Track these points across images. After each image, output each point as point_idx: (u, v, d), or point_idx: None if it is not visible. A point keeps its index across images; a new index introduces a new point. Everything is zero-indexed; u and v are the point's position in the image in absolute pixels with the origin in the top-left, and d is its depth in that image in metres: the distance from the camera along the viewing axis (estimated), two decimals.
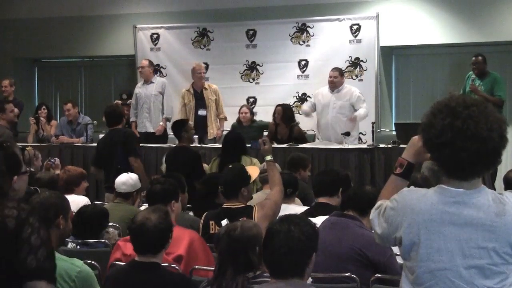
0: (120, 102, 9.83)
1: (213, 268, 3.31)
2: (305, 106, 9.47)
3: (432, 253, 2.35)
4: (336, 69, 9.16)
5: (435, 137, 2.35)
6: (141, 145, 8.95)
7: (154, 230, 3.37)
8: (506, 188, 5.74)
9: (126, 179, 5.67)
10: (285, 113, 9.16)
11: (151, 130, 9.70)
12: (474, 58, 8.98)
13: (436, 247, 2.35)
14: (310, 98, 10.08)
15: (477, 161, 2.31)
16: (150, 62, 9.99)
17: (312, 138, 9.16)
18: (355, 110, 8.88)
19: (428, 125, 2.37)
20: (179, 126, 7.67)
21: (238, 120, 9.55)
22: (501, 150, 2.34)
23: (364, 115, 8.85)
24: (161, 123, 9.67)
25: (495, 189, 7.46)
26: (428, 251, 2.36)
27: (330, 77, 9.02)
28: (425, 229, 2.37)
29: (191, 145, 7.89)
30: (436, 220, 2.36)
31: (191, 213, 5.53)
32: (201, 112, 9.42)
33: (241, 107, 9.61)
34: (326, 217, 4.13)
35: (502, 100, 8.63)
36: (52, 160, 7.38)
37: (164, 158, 7.72)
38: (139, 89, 9.84)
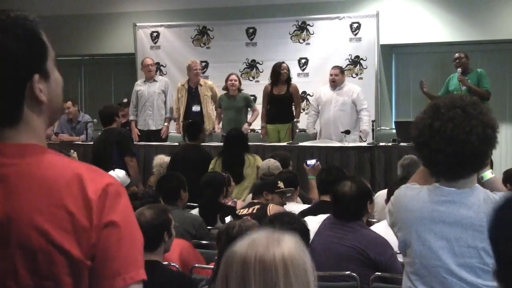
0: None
1: (212, 267, 3.31)
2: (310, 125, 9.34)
3: (424, 250, 2.37)
4: (336, 67, 9.15)
5: (415, 137, 2.36)
6: (142, 143, 9.01)
7: (146, 225, 3.37)
8: (504, 182, 5.76)
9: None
10: (289, 71, 9.18)
11: (153, 128, 9.69)
12: (457, 54, 9.01)
13: (427, 244, 2.37)
14: (310, 96, 10.09)
15: (457, 164, 2.30)
16: (153, 61, 10.02)
17: (314, 137, 9.15)
18: (356, 108, 8.87)
19: (414, 123, 2.40)
20: (196, 128, 7.69)
21: (226, 89, 9.22)
22: (483, 154, 2.32)
23: (368, 122, 8.78)
24: (165, 124, 9.67)
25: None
26: (421, 248, 2.38)
27: (331, 75, 9.00)
28: (417, 227, 2.39)
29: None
30: (427, 218, 2.37)
31: (193, 211, 5.52)
32: (195, 108, 9.38)
33: (230, 75, 9.23)
34: (327, 215, 4.13)
35: (490, 92, 8.73)
36: (71, 152, 7.49)
37: (154, 162, 7.62)
38: (141, 87, 9.81)
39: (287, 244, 1.57)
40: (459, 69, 8.80)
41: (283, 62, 9.20)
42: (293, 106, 9.22)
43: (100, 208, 1.36)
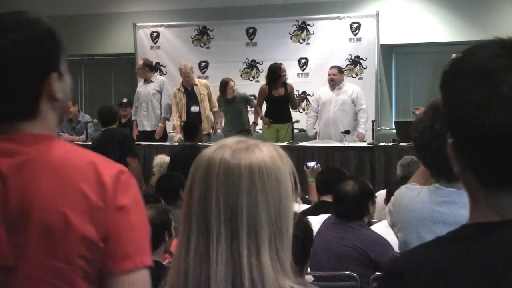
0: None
1: None
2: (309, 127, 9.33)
3: None
4: (335, 67, 9.16)
5: (416, 138, 2.36)
6: (141, 143, 9.01)
7: None
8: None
9: None
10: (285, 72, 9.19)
11: (148, 129, 9.67)
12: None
13: None
14: (310, 96, 10.09)
15: None
16: (145, 62, 9.83)
17: (314, 137, 9.15)
18: (355, 107, 8.87)
19: (414, 124, 2.39)
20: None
21: (222, 94, 9.23)
22: None
23: (364, 125, 8.81)
24: (160, 125, 9.63)
25: None
26: None
27: (329, 75, 9.01)
28: (417, 227, 2.38)
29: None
30: (427, 219, 2.37)
31: None
32: (194, 109, 9.38)
33: (227, 82, 9.16)
34: (328, 215, 4.13)
35: None
36: None
37: (154, 162, 7.64)
38: (140, 88, 9.85)
39: (261, 152, 1.45)
40: None
41: (281, 64, 9.20)
42: (289, 105, 9.21)
43: (114, 191, 1.40)
